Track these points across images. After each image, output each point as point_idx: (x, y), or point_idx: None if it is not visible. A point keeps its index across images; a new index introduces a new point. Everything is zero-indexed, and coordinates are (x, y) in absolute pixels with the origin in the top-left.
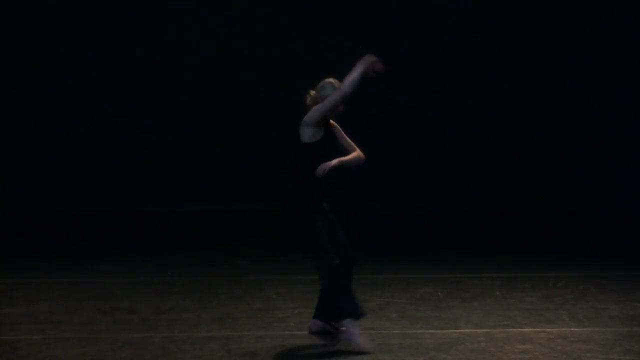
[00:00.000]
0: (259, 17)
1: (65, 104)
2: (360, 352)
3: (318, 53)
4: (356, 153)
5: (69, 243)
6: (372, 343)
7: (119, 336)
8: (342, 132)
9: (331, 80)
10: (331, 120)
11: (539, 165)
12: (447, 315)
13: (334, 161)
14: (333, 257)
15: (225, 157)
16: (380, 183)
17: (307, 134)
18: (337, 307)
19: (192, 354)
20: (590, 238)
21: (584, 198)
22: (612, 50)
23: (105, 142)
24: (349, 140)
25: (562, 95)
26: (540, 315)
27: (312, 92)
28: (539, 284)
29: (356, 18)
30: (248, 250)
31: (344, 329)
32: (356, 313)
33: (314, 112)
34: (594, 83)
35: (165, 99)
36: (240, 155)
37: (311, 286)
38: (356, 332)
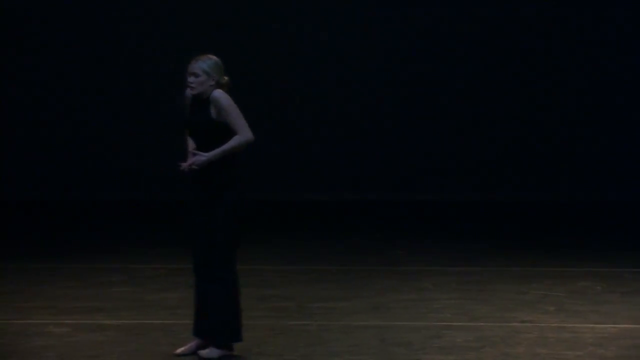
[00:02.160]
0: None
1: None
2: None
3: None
4: None
5: None
6: (485, 332)
7: (276, 323)
8: None
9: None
10: None
11: None
12: (606, 309)
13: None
14: None
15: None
16: (529, 173)
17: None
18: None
19: (347, 343)
20: None
21: None
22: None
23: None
24: None
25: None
26: None
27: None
28: None
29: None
30: (405, 240)
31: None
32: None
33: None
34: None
35: None
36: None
37: (466, 277)
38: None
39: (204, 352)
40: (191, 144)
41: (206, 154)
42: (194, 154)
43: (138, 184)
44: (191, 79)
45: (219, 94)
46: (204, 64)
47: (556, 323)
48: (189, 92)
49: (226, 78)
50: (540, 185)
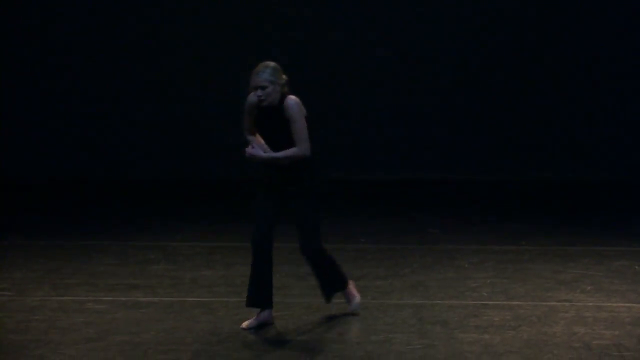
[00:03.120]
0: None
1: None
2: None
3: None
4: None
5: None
6: (523, 311)
7: (312, 301)
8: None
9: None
10: None
11: None
12: None
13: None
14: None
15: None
16: (566, 153)
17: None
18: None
19: (384, 321)
20: None
21: None
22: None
23: None
24: None
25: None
26: None
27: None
28: None
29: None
30: (440, 219)
31: None
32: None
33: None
34: None
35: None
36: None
37: (503, 256)
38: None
39: (353, 306)
40: (255, 139)
41: (264, 155)
42: (258, 147)
43: (167, 163)
44: (259, 92)
45: (292, 102)
46: (268, 74)
47: (593, 302)
48: (253, 98)
49: (284, 77)
50: (578, 165)
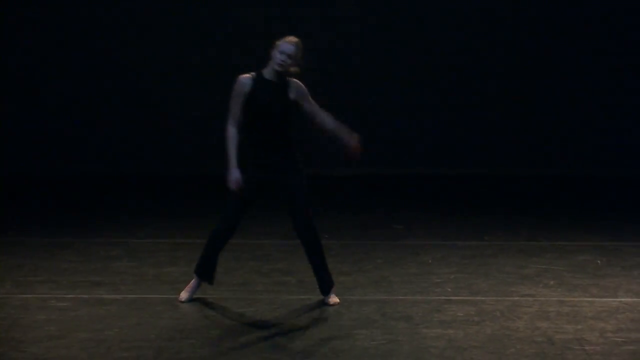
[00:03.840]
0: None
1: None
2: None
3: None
4: None
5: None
6: (485, 306)
7: (276, 298)
8: None
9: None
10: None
11: None
12: (606, 283)
13: None
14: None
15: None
16: (533, 147)
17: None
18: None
19: (348, 317)
20: None
21: None
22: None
23: None
24: None
25: None
26: None
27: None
28: None
29: None
30: (405, 214)
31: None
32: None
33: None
34: None
35: None
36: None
37: (466, 252)
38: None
39: (332, 300)
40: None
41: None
42: (349, 138)
43: (134, 157)
44: (284, 57)
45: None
46: (296, 49)
47: (556, 297)
48: (246, 80)
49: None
50: (541, 160)
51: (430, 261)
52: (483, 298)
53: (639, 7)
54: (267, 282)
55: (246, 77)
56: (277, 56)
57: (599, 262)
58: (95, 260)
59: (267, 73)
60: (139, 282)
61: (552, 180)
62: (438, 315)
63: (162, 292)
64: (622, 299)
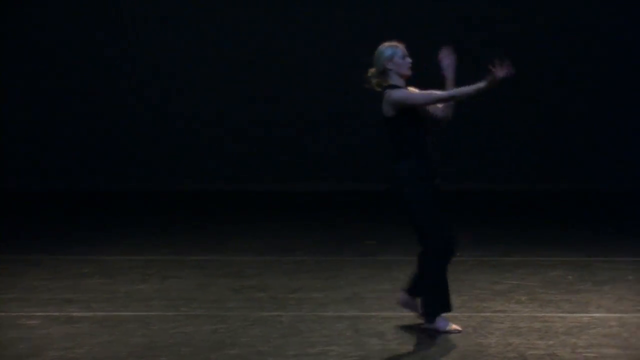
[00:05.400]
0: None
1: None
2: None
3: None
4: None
5: (198, 220)
6: (457, 323)
7: (249, 314)
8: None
9: (388, 44)
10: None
11: None
12: (578, 299)
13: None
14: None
15: (341, 136)
16: (508, 163)
17: (389, 111)
18: (431, 297)
19: (320, 334)
20: None
21: None
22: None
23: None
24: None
25: None
26: None
27: (372, 70)
28: None
29: None
30: (377, 231)
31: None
32: (446, 306)
33: (400, 96)
34: None
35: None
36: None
37: None
38: (442, 323)
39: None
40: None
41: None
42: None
43: (106, 174)
44: (410, 59)
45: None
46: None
47: (528, 313)
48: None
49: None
50: (514, 176)
51: (402, 277)
52: (455, 314)
53: None
54: (240, 299)
55: (403, 89)
56: (407, 60)
57: (570, 277)
58: (67, 277)
59: (395, 82)
60: (110, 299)
61: (525, 196)
62: (410, 332)
63: (134, 310)
64: (594, 314)
